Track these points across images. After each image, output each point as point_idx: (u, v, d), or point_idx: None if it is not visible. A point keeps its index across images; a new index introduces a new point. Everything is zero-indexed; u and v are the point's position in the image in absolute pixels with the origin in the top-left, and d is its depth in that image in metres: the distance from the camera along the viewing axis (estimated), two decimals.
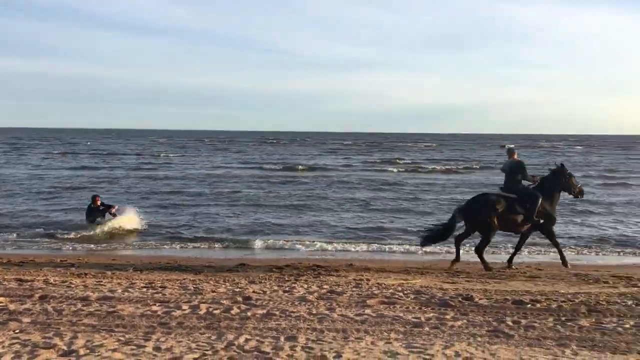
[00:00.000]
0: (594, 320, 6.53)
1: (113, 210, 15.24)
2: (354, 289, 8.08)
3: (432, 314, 6.73)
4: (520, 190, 10.11)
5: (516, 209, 9.89)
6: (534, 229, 10.31)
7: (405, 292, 7.90)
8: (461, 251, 10.38)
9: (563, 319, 6.58)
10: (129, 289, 7.93)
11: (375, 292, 7.89)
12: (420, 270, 9.94)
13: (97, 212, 15.20)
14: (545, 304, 7.27)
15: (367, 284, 8.41)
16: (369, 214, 18.10)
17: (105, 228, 14.65)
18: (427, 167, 40.09)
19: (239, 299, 7.40)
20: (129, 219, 15.10)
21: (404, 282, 8.72)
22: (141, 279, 8.76)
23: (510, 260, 10.44)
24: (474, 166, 41.17)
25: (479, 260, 10.15)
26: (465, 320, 6.48)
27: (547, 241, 10.81)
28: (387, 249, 13.03)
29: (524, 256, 11.96)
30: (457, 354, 5.28)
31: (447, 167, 40.22)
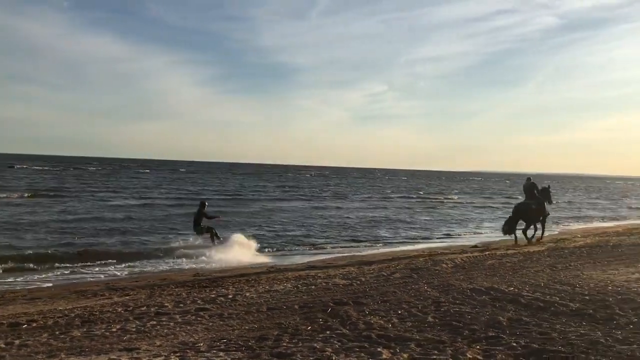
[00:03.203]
0: (85, 329, 7.19)
1: (220, 219, 17.14)
2: None
3: None
4: (535, 199, 18.32)
5: (538, 208, 18.19)
6: (541, 221, 18.65)
7: None
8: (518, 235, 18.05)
9: (57, 333, 7.01)
10: None
11: None
12: None
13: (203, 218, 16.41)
14: (42, 322, 7.56)
15: None
16: None
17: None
18: None
19: None
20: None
21: None
22: None
23: (534, 237, 18.40)
24: None
25: None
26: None
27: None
28: None
29: (23, 282, 11.99)
30: None
31: None
